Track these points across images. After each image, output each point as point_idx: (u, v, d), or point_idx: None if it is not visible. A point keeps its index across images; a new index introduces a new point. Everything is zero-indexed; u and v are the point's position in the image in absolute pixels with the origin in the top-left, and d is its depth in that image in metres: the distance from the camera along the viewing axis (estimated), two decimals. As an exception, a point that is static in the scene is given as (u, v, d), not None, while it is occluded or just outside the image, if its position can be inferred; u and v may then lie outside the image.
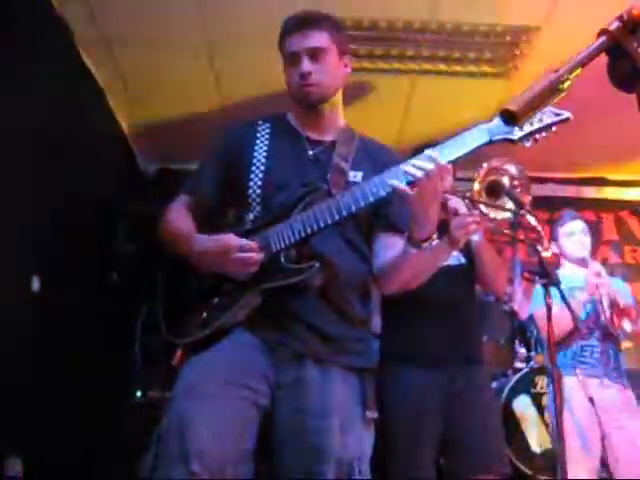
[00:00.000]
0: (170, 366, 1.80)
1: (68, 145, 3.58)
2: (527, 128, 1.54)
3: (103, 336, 3.80)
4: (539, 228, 2.72)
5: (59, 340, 3.39)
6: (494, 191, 2.61)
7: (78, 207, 3.75)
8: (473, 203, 2.55)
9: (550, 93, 1.00)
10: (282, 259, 1.73)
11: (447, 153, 1.62)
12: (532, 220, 2.64)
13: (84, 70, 3.87)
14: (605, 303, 3.20)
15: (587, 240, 3.43)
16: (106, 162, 4.23)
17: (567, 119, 1.49)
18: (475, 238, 2.63)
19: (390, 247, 1.85)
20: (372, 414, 1.78)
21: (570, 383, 3.08)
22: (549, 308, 2.64)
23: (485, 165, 2.58)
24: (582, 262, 3.36)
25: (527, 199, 2.59)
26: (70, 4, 3.43)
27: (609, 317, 3.21)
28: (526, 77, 4.01)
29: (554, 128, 1.52)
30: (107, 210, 4.28)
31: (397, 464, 2.54)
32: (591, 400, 3.05)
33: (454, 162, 1.62)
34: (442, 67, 4.04)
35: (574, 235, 3.42)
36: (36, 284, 3.28)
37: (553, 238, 3.47)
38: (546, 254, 2.81)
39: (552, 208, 4.89)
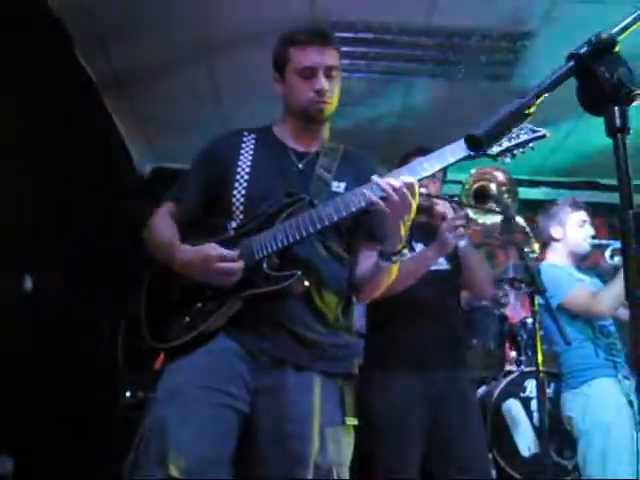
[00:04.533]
0: (153, 369, 1.82)
1: (65, 145, 3.59)
2: (505, 144, 1.60)
3: (95, 335, 3.81)
4: (527, 229, 2.75)
5: (51, 339, 3.41)
6: (482, 196, 2.64)
7: (74, 205, 3.76)
8: (461, 208, 2.58)
9: (516, 118, 1.03)
10: (264, 267, 1.75)
11: (426, 167, 1.65)
12: (521, 221, 2.67)
13: (80, 70, 3.88)
14: None
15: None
16: (102, 161, 4.24)
17: (543, 136, 1.53)
18: (462, 243, 2.64)
19: (370, 257, 1.88)
20: (351, 420, 1.80)
21: (609, 386, 2.87)
22: (534, 315, 2.66)
23: (473, 171, 2.62)
24: (581, 260, 3.15)
25: (514, 204, 2.62)
26: (67, 3, 3.43)
27: None
28: (522, 81, 4.02)
29: (531, 144, 1.57)
30: (103, 208, 4.29)
31: (383, 468, 2.56)
32: (630, 403, 2.81)
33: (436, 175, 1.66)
34: (437, 70, 4.06)
35: (586, 225, 3.17)
36: (28, 283, 3.30)
37: (558, 222, 3.18)
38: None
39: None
